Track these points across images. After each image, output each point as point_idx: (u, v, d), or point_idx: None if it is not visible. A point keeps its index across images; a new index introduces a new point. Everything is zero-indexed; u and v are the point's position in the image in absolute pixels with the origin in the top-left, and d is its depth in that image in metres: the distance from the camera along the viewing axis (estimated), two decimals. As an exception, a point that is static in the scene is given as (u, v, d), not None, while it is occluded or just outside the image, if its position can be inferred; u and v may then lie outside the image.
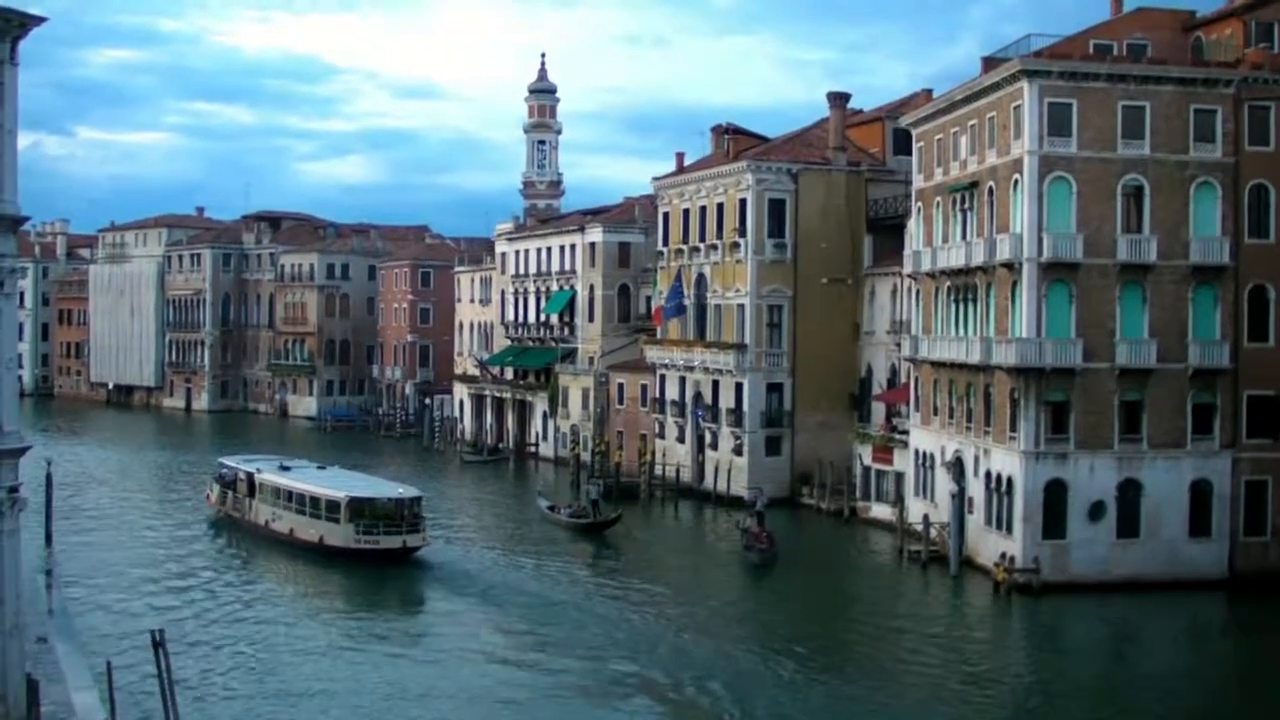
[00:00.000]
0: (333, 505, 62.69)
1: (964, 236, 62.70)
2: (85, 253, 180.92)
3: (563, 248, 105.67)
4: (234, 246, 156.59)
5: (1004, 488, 57.41)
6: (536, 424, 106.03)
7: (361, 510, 62.08)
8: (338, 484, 66.22)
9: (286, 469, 70.73)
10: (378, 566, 60.08)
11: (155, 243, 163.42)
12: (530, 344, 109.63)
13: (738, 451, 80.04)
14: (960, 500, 60.78)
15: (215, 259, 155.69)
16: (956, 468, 62.57)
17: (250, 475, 70.03)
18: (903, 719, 39.44)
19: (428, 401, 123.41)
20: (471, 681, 42.30)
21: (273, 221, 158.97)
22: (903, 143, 76.96)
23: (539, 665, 44.12)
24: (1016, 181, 56.71)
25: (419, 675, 43.07)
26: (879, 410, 76.27)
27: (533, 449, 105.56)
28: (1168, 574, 55.15)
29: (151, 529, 71.66)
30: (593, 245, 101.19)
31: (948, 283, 64.59)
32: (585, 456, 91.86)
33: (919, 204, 69.29)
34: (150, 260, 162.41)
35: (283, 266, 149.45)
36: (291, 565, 62.56)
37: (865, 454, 74.94)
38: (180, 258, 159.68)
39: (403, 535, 61.42)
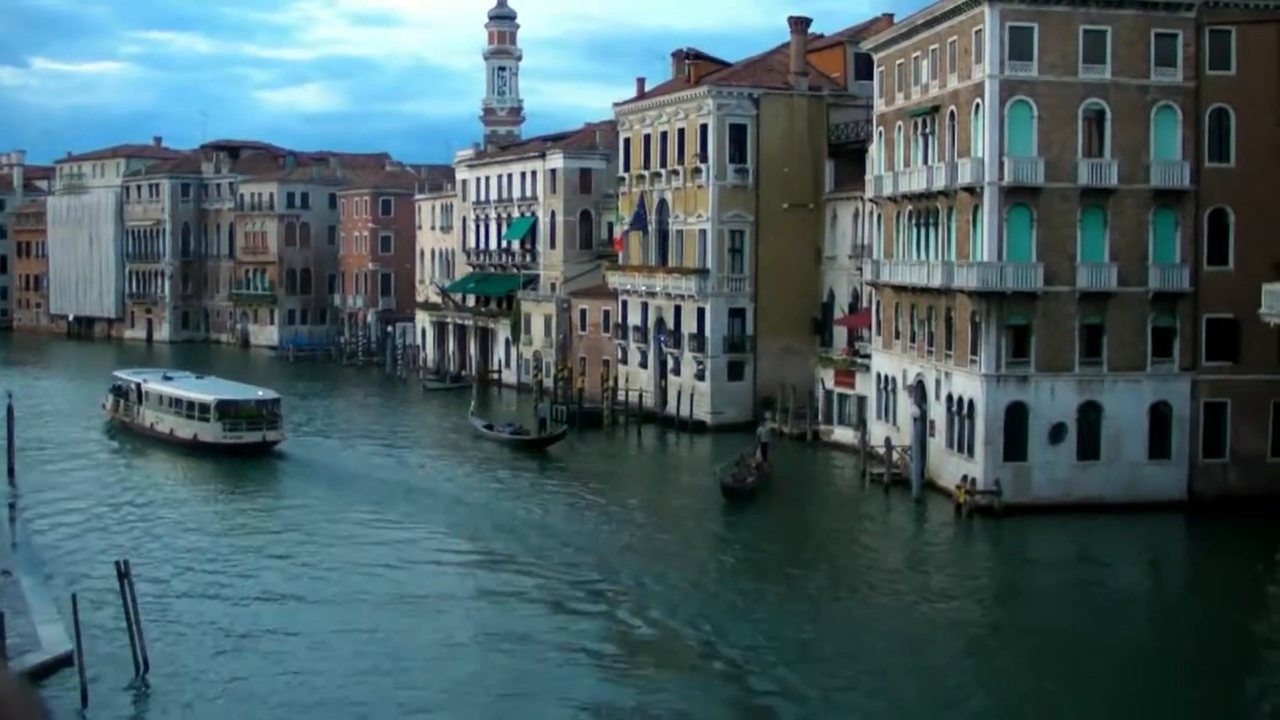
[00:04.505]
0: (204, 408, 72.15)
1: (925, 161, 62.69)
2: (42, 184, 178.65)
3: (524, 174, 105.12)
4: (193, 176, 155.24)
5: (965, 411, 57.77)
6: (499, 351, 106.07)
7: (228, 411, 71.49)
8: (210, 390, 76.13)
9: (169, 379, 79.96)
10: (242, 459, 68.11)
11: (113, 173, 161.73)
12: (492, 271, 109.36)
13: (700, 377, 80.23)
14: (922, 423, 61.10)
15: (174, 189, 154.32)
16: (918, 391, 62.85)
17: (139, 385, 79.09)
18: (874, 636, 39.74)
19: (390, 329, 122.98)
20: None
21: (231, 151, 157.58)
22: (864, 68, 76.70)
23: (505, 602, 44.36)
24: (978, 106, 56.63)
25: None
26: (841, 334, 76.51)
27: (495, 376, 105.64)
28: (1128, 496, 55.66)
29: (104, 453, 74.32)
30: (554, 172, 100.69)
31: (909, 207, 64.64)
32: (548, 383, 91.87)
33: (880, 129, 69.16)
34: (108, 191, 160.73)
35: (242, 196, 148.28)
36: (172, 459, 70.85)
37: (827, 378, 75.22)
38: (139, 188, 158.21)
39: (263, 431, 70.95)
